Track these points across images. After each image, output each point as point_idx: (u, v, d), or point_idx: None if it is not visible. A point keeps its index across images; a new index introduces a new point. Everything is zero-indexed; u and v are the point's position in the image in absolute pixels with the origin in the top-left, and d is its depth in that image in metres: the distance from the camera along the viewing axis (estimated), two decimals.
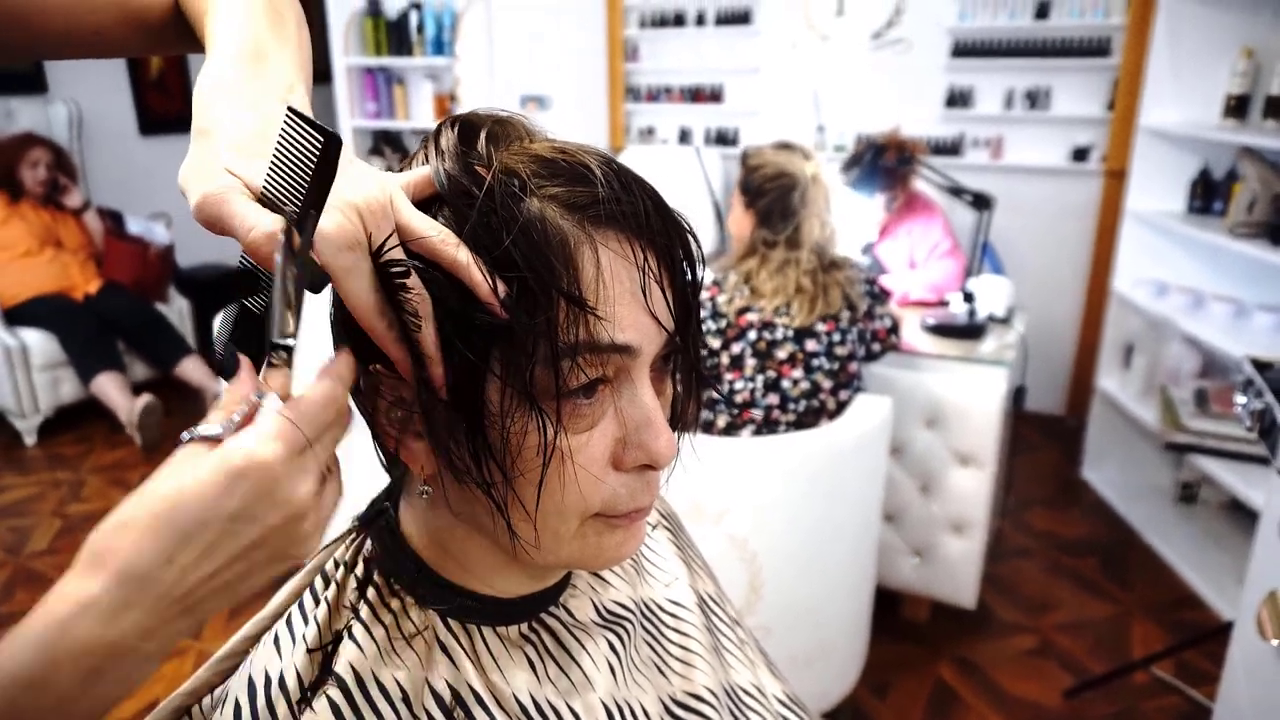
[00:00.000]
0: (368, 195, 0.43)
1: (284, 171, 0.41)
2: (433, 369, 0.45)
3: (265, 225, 0.40)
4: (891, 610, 2.31)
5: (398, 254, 0.44)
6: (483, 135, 0.48)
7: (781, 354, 1.73)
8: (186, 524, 0.36)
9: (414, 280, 0.44)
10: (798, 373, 1.74)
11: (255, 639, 0.53)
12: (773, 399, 1.75)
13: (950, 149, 3.71)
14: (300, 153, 0.41)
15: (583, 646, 0.58)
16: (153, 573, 0.36)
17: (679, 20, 4.21)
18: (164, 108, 4.56)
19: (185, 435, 0.39)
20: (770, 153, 1.81)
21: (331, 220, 0.42)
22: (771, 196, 1.75)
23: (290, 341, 0.41)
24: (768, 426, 1.76)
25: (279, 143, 0.42)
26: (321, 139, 0.40)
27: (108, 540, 0.36)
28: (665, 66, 4.33)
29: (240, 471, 0.37)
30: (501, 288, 0.43)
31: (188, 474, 0.37)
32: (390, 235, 0.43)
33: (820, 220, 1.75)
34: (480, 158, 0.47)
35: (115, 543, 0.36)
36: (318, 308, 0.47)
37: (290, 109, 0.42)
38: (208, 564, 0.38)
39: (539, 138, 0.49)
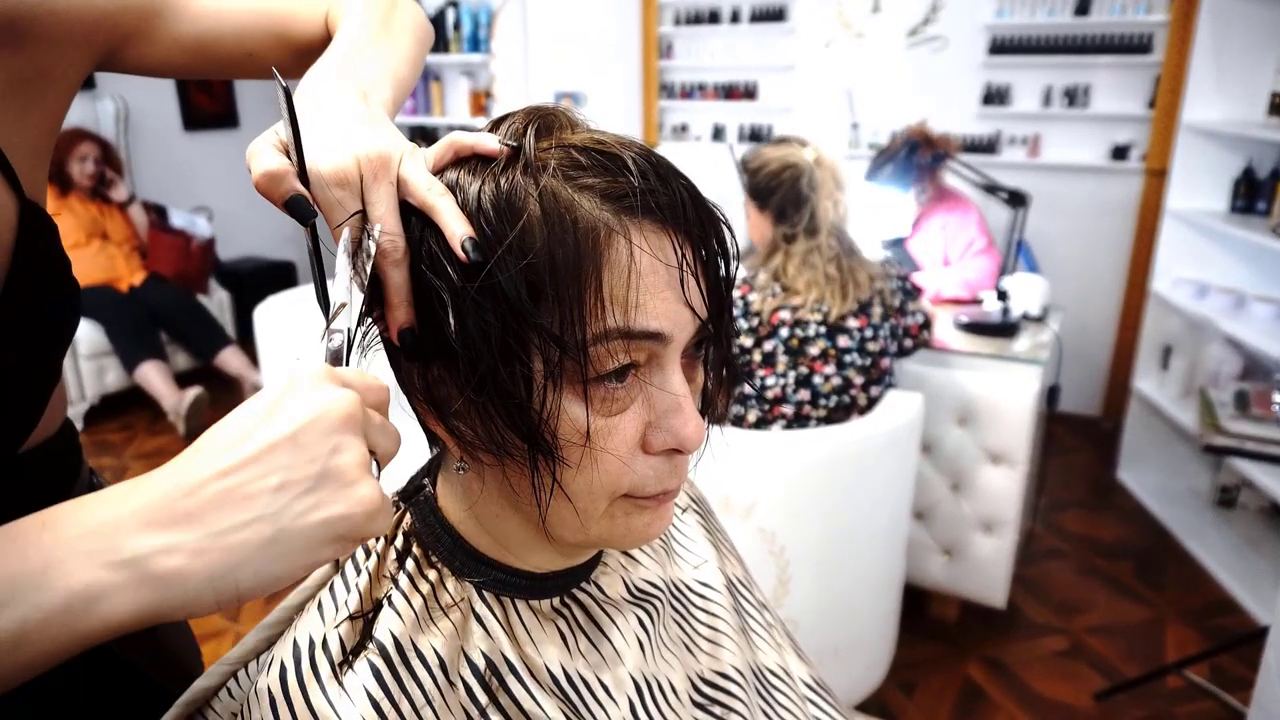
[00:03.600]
0: (371, 147, 0.47)
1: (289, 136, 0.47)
2: (395, 311, 0.48)
3: (265, 165, 0.46)
4: (920, 608, 2.30)
5: (387, 204, 0.47)
6: (527, 130, 0.49)
7: (814, 350, 1.74)
8: (222, 423, 0.36)
9: (394, 227, 0.46)
10: (830, 369, 1.74)
11: (299, 608, 0.55)
12: (804, 394, 1.75)
13: (987, 147, 3.68)
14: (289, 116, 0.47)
15: (613, 622, 0.60)
16: (173, 465, 0.36)
17: (713, 17, 4.21)
18: (207, 105, 4.66)
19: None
20: (768, 151, 1.80)
21: (329, 160, 0.47)
22: (781, 192, 1.75)
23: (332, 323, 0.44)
24: (798, 422, 1.76)
25: (284, 116, 0.47)
26: (287, 98, 0.46)
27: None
28: (699, 63, 4.33)
29: (276, 380, 0.37)
30: (469, 231, 0.45)
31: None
32: (385, 185, 0.47)
33: (833, 200, 1.75)
34: (520, 151, 0.48)
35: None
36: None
37: (281, 87, 0.46)
38: (230, 453, 0.35)
39: (581, 129, 0.51)
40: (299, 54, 0.72)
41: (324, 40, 0.71)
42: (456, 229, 0.45)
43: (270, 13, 0.71)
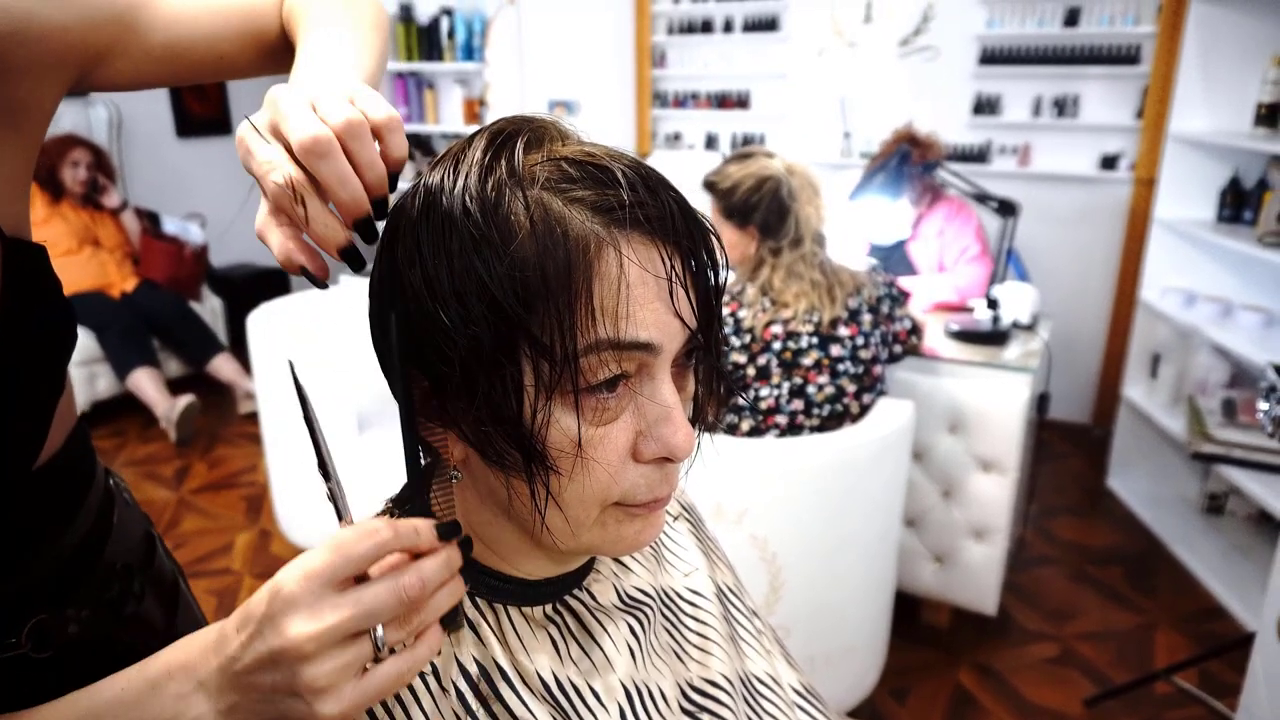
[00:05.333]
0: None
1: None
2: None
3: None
4: (911, 615, 2.31)
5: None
6: (518, 142, 0.50)
7: (807, 361, 1.74)
8: (240, 616, 0.44)
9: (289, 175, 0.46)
10: (823, 378, 1.75)
11: None
12: (797, 404, 1.76)
13: (977, 156, 3.70)
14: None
15: (604, 629, 0.60)
16: (216, 655, 0.45)
17: (707, 27, 4.24)
18: (201, 111, 4.66)
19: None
20: (736, 169, 1.78)
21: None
22: (763, 206, 1.73)
23: (327, 485, 0.47)
24: (792, 431, 1.77)
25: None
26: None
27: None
28: (692, 72, 4.35)
29: (273, 587, 0.43)
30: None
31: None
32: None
33: (814, 206, 1.74)
34: (509, 163, 0.48)
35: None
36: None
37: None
38: (245, 656, 0.43)
39: (571, 141, 0.51)
40: (266, 51, 0.71)
41: (281, 30, 0.70)
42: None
43: (235, 11, 0.70)
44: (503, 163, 0.48)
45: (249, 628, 0.42)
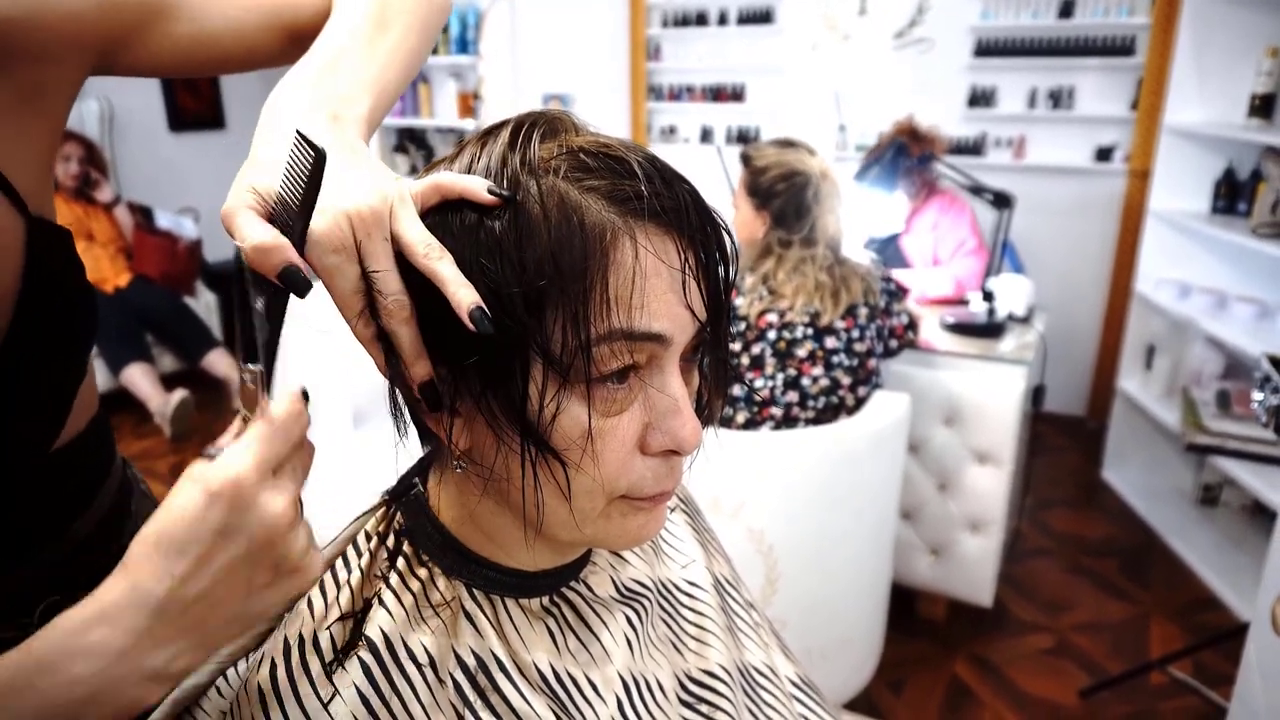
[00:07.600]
0: (359, 203, 0.46)
1: (288, 187, 0.45)
2: (411, 368, 0.48)
3: (255, 238, 0.43)
4: (908, 607, 2.31)
5: (385, 263, 0.46)
6: (533, 133, 0.50)
7: (801, 352, 1.74)
8: (177, 540, 0.40)
9: (396, 287, 0.46)
10: (818, 370, 1.75)
11: (290, 606, 0.55)
12: (792, 396, 1.76)
13: (972, 149, 3.70)
14: (299, 169, 0.44)
15: (602, 621, 0.60)
16: (153, 586, 0.40)
17: (701, 19, 4.23)
18: (193, 105, 4.63)
19: (202, 452, 0.43)
20: (775, 152, 1.79)
21: (321, 224, 0.45)
22: (785, 197, 1.74)
23: (254, 366, 0.44)
24: (787, 423, 1.77)
25: (288, 160, 0.44)
26: (312, 154, 0.42)
27: (131, 552, 0.41)
28: (687, 65, 4.34)
29: (216, 490, 0.40)
30: (475, 299, 0.45)
31: (178, 496, 0.41)
32: (380, 242, 0.46)
33: (835, 215, 1.76)
34: (523, 153, 0.49)
35: (132, 555, 0.41)
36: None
37: (298, 130, 0.44)
38: (202, 577, 0.41)
39: (585, 133, 0.51)
40: (301, 42, 0.68)
41: (313, 17, 0.68)
42: (463, 298, 0.45)
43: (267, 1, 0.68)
44: (517, 153, 0.48)
45: None
